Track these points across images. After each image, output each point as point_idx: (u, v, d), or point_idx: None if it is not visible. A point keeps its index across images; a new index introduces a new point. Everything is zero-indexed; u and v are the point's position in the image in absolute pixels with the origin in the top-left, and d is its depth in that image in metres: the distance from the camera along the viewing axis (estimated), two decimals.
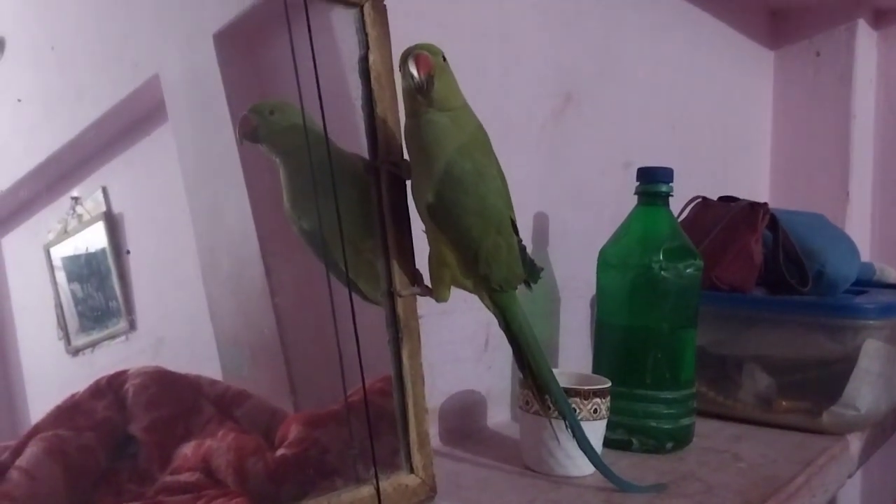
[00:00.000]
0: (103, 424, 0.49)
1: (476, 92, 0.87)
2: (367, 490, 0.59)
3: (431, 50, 0.61)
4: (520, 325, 0.67)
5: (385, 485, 0.61)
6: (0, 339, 0.46)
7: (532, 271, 0.69)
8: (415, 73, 0.59)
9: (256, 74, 0.62)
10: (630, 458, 0.80)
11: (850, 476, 0.92)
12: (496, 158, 0.65)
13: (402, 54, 0.61)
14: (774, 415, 0.95)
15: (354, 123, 0.65)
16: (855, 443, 0.93)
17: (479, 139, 0.64)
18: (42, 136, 0.48)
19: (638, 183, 0.86)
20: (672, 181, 0.86)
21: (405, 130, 0.63)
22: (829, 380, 0.93)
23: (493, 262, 0.64)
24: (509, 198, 0.66)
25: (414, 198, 0.65)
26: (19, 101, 0.47)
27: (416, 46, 0.61)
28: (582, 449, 0.70)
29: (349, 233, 0.61)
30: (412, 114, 0.62)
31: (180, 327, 0.54)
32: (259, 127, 0.59)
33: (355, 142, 0.65)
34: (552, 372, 0.70)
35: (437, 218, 0.62)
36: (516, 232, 0.66)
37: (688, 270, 0.83)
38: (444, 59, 0.62)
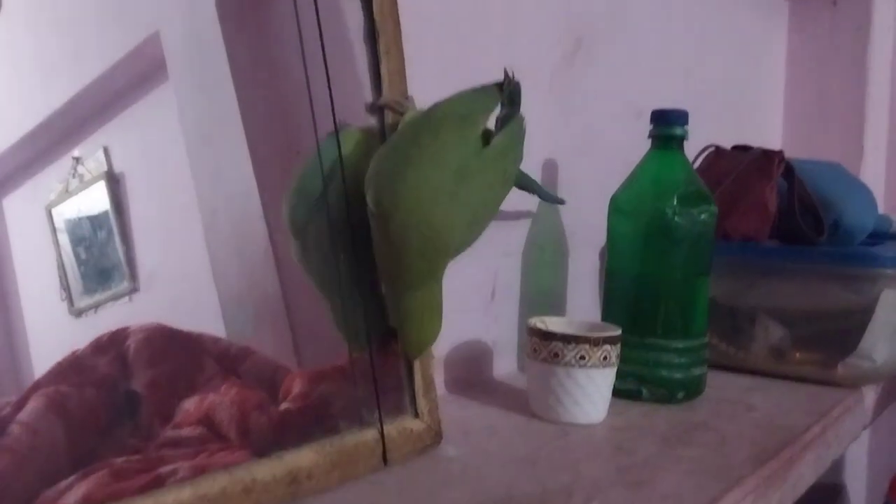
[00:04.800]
0: (105, 380, 0.48)
1: (485, 37, 0.85)
2: (371, 434, 0.58)
3: None
4: None
5: (389, 429, 0.59)
6: (3, 300, 0.45)
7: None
8: None
9: (257, 28, 0.59)
10: (640, 408, 0.78)
11: (864, 428, 0.91)
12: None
13: None
14: (788, 367, 0.93)
15: (355, 60, 0.62)
16: (870, 395, 0.91)
17: None
18: (41, 96, 0.46)
19: (651, 126, 0.83)
20: (687, 124, 0.82)
21: None
22: (845, 331, 0.90)
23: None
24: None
25: None
26: (17, 61, 0.45)
27: None
28: None
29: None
30: None
31: (184, 288, 0.53)
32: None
33: (356, 79, 0.62)
34: None
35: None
36: None
37: (702, 216, 0.81)
38: None
